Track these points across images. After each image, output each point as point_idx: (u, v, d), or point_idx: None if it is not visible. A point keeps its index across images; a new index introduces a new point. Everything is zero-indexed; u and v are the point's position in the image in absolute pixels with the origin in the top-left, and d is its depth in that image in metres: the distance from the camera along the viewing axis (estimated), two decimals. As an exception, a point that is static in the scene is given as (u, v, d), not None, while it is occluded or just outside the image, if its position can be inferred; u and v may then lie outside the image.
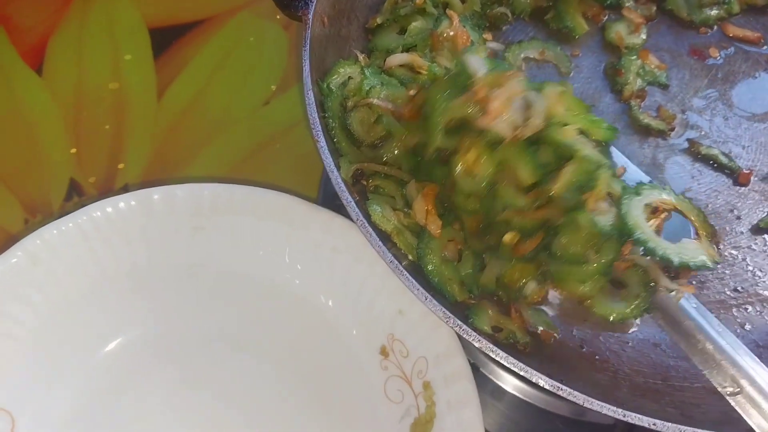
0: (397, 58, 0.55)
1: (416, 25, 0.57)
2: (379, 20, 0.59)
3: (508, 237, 0.45)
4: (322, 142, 0.48)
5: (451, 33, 0.57)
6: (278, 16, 0.74)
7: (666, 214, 0.47)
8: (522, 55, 0.60)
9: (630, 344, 0.48)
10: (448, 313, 0.43)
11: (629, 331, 0.48)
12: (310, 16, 0.52)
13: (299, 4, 0.53)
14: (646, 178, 0.52)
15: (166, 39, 0.72)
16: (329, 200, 0.62)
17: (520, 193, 0.44)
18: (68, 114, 0.67)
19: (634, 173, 0.52)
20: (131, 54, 0.71)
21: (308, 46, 0.51)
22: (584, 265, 0.45)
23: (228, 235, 0.53)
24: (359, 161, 0.50)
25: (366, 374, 0.51)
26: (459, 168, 0.45)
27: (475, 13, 0.61)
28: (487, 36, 0.61)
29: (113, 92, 0.68)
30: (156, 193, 0.52)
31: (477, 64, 0.45)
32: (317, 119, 0.48)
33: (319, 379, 0.52)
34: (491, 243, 0.46)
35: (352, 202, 0.46)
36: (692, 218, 0.49)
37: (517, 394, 0.55)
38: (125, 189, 0.63)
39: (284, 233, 0.53)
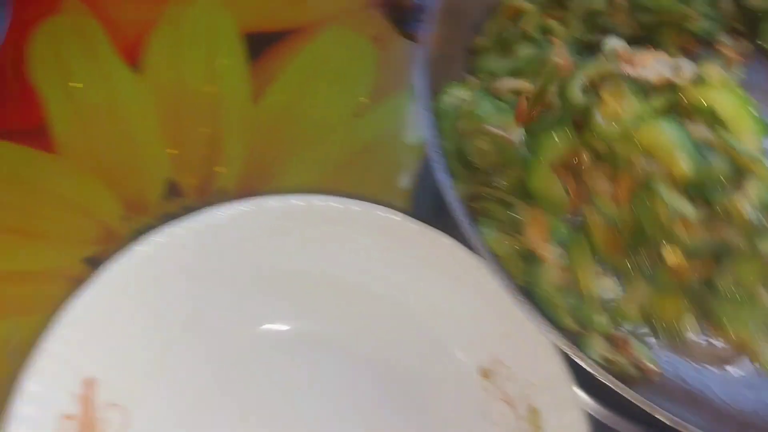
0: (508, 84, 0.56)
1: (524, 50, 0.58)
2: (482, 42, 0.59)
3: (671, 256, 0.39)
4: (439, 162, 0.49)
5: (557, 60, 0.58)
6: (368, 29, 0.75)
7: None
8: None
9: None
10: (565, 341, 0.44)
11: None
12: (425, 35, 0.53)
13: (414, 23, 0.54)
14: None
15: (259, 45, 0.73)
16: (421, 217, 0.63)
17: (686, 199, 0.38)
18: (165, 114, 0.68)
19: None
20: (227, 58, 0.72)
21: (423, 66, 0.52)
22: (759, 305, 0.40)
23: (337, 245, 0.54)
24: (471, 183, 0.51)
25: (465, 395, 0.52)
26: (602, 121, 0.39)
27: (574, 40, 0.61)
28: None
29: (210, 95, 0.69)
30: (273, 200, 0.53)
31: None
32: (434, 139, 0.49)
33: (416, 395, 0.53)
34: (642, 262, 0.41)
35: (468, 224, 0.47)
36: None
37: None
38: (223, 192, 0.64)
39: (389, 247, 0.54)
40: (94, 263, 0.61)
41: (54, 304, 0.58)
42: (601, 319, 0.48)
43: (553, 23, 0.60)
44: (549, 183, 0.47)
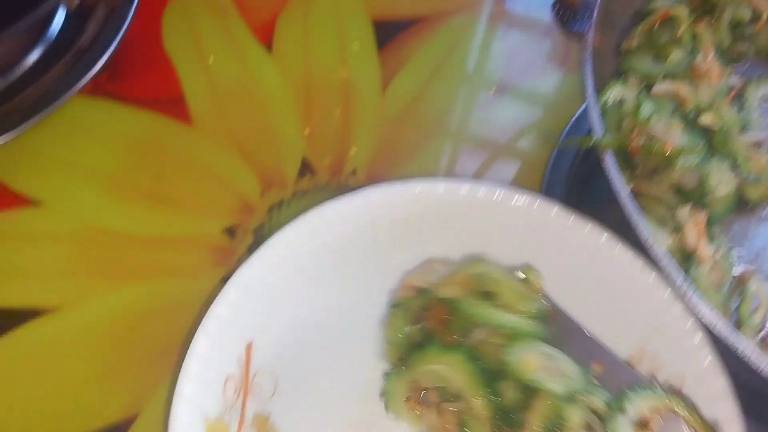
0: (665, 87, 0.56)
1: (676, 55, 0.59)
2: (634, 43, 0.60)
3: None
4: (610, 158, 0.50)
5: (707, 67, 0.59)
6: (493, 22, 0.76)
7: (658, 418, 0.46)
8: (760, 94, 0.61)
9: None
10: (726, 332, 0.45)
11: None
12: (591, 35, 0.54)
13: (578, 23, 0.54)
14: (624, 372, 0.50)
15: (388, 32, 0.75)
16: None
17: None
18: (299, 95, 0.70)
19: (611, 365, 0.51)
20: (357, 44, 0.73)
21: (590, 64, 0.53)
22: None
23: (477, 231, 0.55)
24: (630, 180, 0.52)
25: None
26: None
27: (720, 49, 0.62)
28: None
29: (341, 80, 0.71)
30: (418, 186, 0.54)
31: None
32: (603, 134, 0.50)
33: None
34: None
35: (639, 218, 0.48)
36: (686, 417, 0.47)
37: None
38: (353, 174, 0.65)
39: (535, 237, 0.55)
40: (233, 233, 0.62)
41: (197, 269, 0.59)
42: (756, 318, 0.49)
43: (701, 30, 0.60)
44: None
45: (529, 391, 0.45)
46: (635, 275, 0.51)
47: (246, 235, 0.62)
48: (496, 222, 0.54)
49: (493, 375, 0.46)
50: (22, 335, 0.56)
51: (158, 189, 0.63)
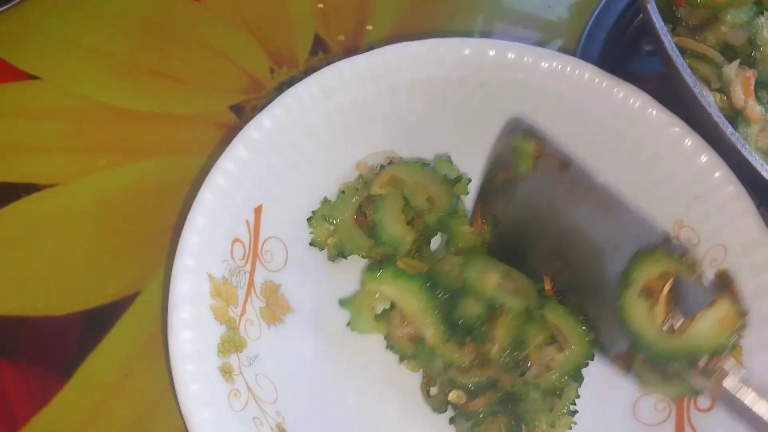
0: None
1: None
2: None
3: (452, 395, 0.45)
4: (653, 7, 0.45)
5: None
6: None
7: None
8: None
9: None
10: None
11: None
12: None
13: None
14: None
15: None
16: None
17: (457, 351, 0.44)
18: (312, -34, 0.65)
19: (626, 218, 0.49)
20: None
21: None
22: (552, 411, 0.45)
23: (508, 93, 0.50)
24: (676, 37, 0.48)
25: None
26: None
27: None
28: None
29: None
30: (444, 46, 0.49)
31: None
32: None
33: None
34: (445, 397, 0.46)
35: (687, 70, 0.43)
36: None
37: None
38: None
39: (565, 96, 0.50)
40: (240, 111, 0.58)
41: (202, 147, 0.56)
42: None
43: None
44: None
45: (492, 308, 0.44)
46: (676, 140, 0.47)
47: (254, 113, 0.58)
48: (527, 88, 0.50)
49: (453, 294, 0.45)
50: (21, 209, 0.53)
51: (162, 66, 0.60)
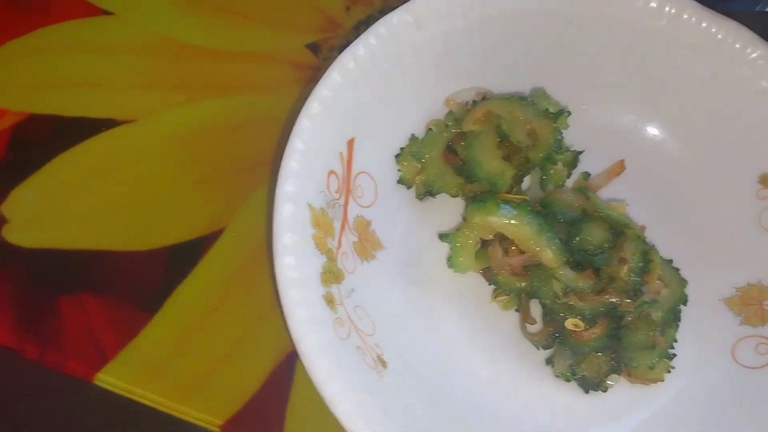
0: None
1: None
2: None
3: (570, 323, 0.44)
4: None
5: None
6: None
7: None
8: None
9: None
10: None
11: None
12: None
13: None
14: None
15: None
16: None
17: (579, 276, 0.44)
18: None
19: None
20: None
21: None
22: (654, 350, 0.45)
23: (600, 29, 0.49)
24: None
25: (737, 201, 0.48)
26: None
27: None
28: None
29: None
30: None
31: None
32: None
33: (683, 198, 0.49)
34: (554, 330, 0.45)
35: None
36: None
37: None
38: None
39: (659, 34, 0.49)
40: (317, 50, 0.57)
41: (280, 85, 0.55)
42: None
43: None
44: None
45: (618, 234, 0.44)
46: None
47: (332, 52, 0.57)
48: (619, 24, 0.49)
49: (572, 220, 0.45)
50: (101, 143, 0.52)
51: (243, 6, 0.58)
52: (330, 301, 0.40)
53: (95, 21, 0.57)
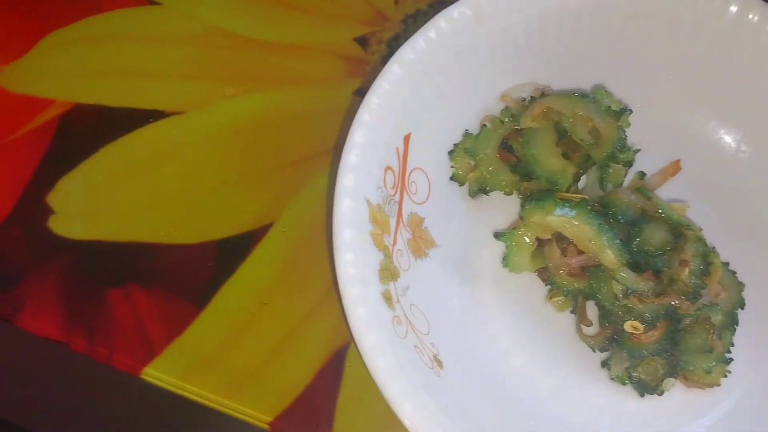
0: None
1: None
2: None
3: (629, 325, 0.43)
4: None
5: None
6: None
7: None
8: None
9: None
10: None
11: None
12: None
13: None
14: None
15: None
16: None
17: (639, 277, 0.42)
18: None
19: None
20: None
21: None
22: (711, 354, 0.44)
23: (661, 27, 0.48)
24: None
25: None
26: None
27: None
28: None
29: None
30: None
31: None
32: None
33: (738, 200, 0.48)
34: (611, 333, 0.45)
35: None
36: None
37: None
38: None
39: (721, 35, 0.48)
40: (365, 44, 0.57)
41: (329, 78, 0.54)
42: None
43: None
44: None
45: (678, 235, 0.43)
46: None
47: (380, 46, 0.56)
48: (680, 22, 0.48)
49: (633, 221, 0.44)
50: (150, 134, 0.52)
51: (292, -3, 0.57)
52: (388, 298, 0.40)
53: (142, 11, 0.57)
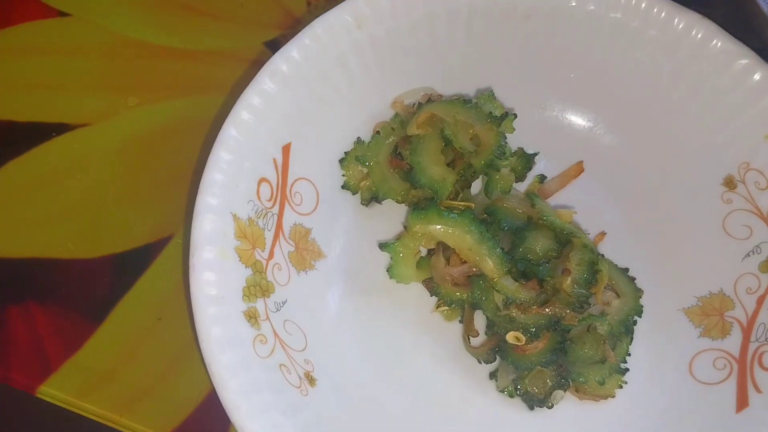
0: None
1: None
2: None
3: (511, 336, 0.42)
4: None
5: None
6: None
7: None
8: None
9: None
10: None
11: None
12: None
13: None
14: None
15: None
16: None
17: (521, 287, 0.41)
18: None
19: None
20: None
21: None
22: (603, 365, 0.42)
23: (557, 25, 0.46)
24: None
25: (700, 205, 0.45)
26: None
27: None
28: None
29: None
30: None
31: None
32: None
33: (644, 202, 0.46)
34: (496, 343, 0.43)
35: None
36: None
37: None
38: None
39: (620, 27, 0.46)
40: (276, 47, 0.55)
41: (237, 85, 0.53)
42: None
43: None
44: None
45: (563, 243, 0.42)
46: (743, 73, 0.42)
47: (290, 50, 0.55)
48: (577, 18, 0.47)
49: (517, 229, 0.43)
50: (52, 149, 0.52)
51: (204, 4, 0.57)
52: (252, 317, 0.39)
53: (52, 23, 0.57)
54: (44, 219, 0.50)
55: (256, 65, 0.55)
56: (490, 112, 0.43)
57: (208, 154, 0.49)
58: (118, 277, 0.48)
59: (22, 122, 0.53)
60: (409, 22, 0.45)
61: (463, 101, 0.44)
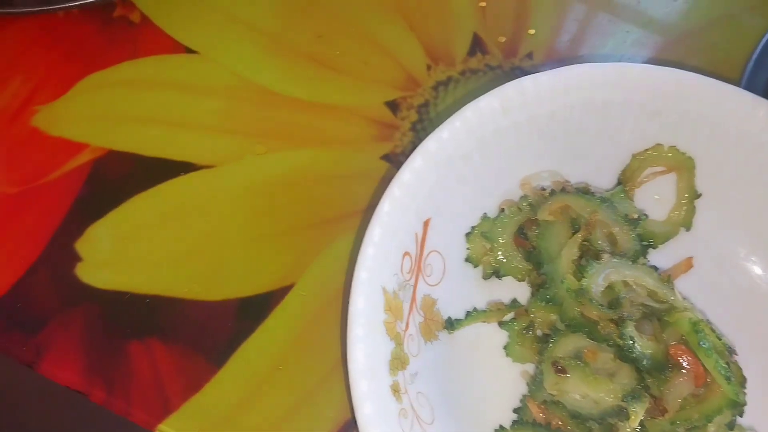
0: None
1: None
2: None
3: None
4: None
5: None
6: None
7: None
8: None
9: None
10: None
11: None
12: None
13: None
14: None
15: None
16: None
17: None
18: (473, -36, 0.63)
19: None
20: None
21: None
22: None
23: (684, 126, 0.49)
24: None
25: None
26: None
27: None
28: None
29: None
30: (629, 70, 0.48)
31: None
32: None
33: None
34: None
35: None
36: None
37: None
38: (530, 57, 0.59)
39: (745, 138, 0.48)
40: (396, 108, 0.58)
41: (357, 141, 0.55)
42: None
43: None
44: None
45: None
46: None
47: (410, 112, 0.58)
48: (705, 123, 0.48)
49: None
50: (179, 186, 0.54)
51: (318, 51, 0.59)
52: (396, 390, 0.41)
53: (179, 58, 0.58)
54: (169, 257, 0.51)
55: (376, 124, 0.57)
56: (626, 214, 0.46)
57: (330, 206, 0.51)
58: (241, 322, 0.50)
59: (147, 156, 0.55)
60: (549, 110, 0.48)
61: (600, 198, 0.46)
